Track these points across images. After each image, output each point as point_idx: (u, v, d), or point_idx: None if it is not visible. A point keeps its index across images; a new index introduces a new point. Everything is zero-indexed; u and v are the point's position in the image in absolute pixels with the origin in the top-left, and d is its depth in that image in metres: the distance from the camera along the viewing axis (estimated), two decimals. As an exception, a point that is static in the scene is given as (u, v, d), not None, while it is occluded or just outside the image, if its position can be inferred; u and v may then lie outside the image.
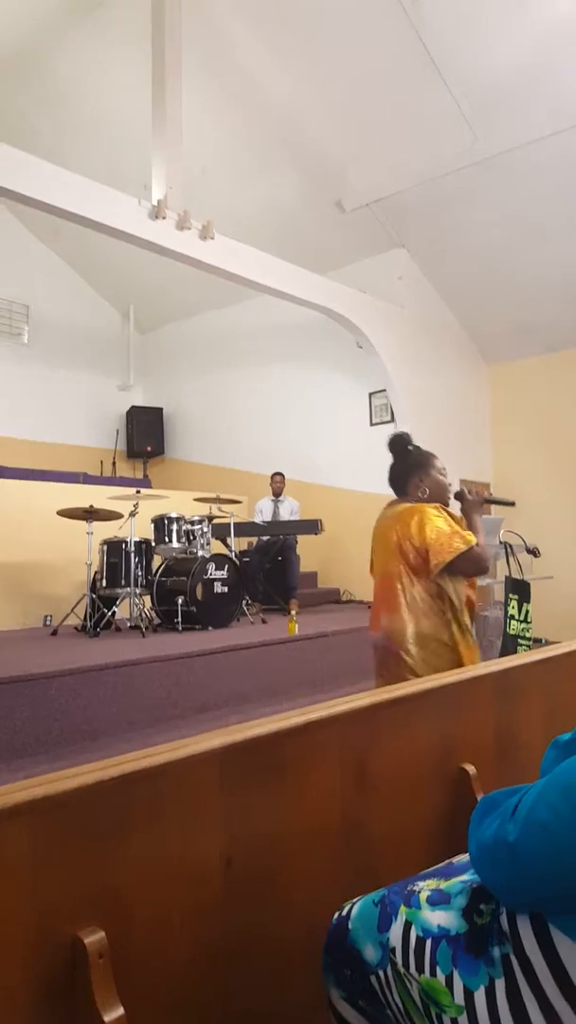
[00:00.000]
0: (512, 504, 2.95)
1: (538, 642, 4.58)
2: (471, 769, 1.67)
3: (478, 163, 6.36)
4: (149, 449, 9.69)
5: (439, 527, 2.47)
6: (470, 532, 2.53)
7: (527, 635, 3.91)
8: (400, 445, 2.73)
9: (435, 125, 6.21)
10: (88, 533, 5.40)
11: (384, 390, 7.60)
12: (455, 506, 2.70)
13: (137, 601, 5.40)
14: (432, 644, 2.51)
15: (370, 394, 7.82)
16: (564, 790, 0.90)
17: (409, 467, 2.68)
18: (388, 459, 2.77)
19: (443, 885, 1.12)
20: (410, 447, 2.73)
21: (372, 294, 7.33)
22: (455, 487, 2.73)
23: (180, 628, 5.24)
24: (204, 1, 5.99)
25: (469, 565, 2.48)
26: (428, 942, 1.04)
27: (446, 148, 6.34)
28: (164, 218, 5.40)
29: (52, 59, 6.84)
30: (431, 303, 7.97)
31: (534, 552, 4.01)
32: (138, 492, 5.67)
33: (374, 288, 7.39)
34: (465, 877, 1.13)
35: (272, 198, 7.34)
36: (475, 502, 2.65)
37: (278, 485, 7.45)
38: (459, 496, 2.69)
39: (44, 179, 4.79)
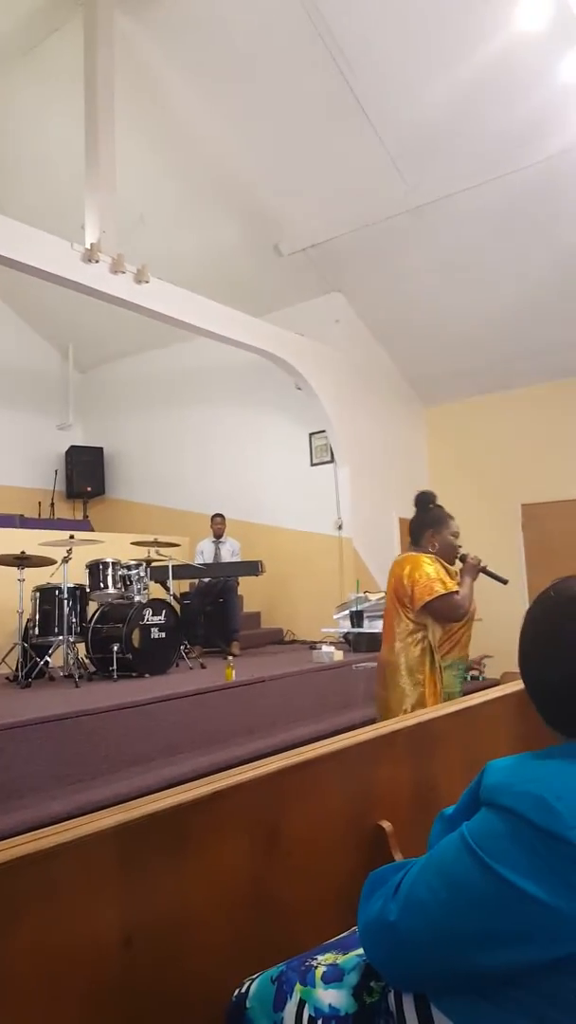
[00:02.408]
0: (505, 582, 3.10)
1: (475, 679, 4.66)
2: (387, 826, 1.66)
3: (410, 211, 6.56)
4: (89, 489, 9.55)
5: (426, 572, 2.87)
6: (454, 582, 2.90)
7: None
8: (424, 501, 3.10)
9: (367, 173, 6.40)
10: (19, 580, 5.26)
11: (324, 431, 7.69)
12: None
13: (70, 649, 5.25)
14: (415, 676, 2.88)
15: (310, 435, 7.89)
16: (440, 870, 0.89)
17: (427, 522, 3.05)
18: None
19: (340, 960, 1.11)
20: (432, 505, 3.09)
21: (310, 337, 7.45)
22: (463, 550, 3.10)
23: (116, 676, 5.10)
24: (138, 48, 6.10)
25: (445, 608, 2.85)
26: (319, 1023, 1.02)
27: (379, 196, 6.53)
28: (98, 261, 5.40)
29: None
30: (367, 346, 8.13)
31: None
32: (71, 537, 5.55)
33: (312, 331, 7.51)
34: (362, 950, 1.11)
35: (210, 242, 7.43)
36: (472, 566, 3.00)
37: (218, 527, 7.40)
38: (461, 558, 3.05)
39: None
